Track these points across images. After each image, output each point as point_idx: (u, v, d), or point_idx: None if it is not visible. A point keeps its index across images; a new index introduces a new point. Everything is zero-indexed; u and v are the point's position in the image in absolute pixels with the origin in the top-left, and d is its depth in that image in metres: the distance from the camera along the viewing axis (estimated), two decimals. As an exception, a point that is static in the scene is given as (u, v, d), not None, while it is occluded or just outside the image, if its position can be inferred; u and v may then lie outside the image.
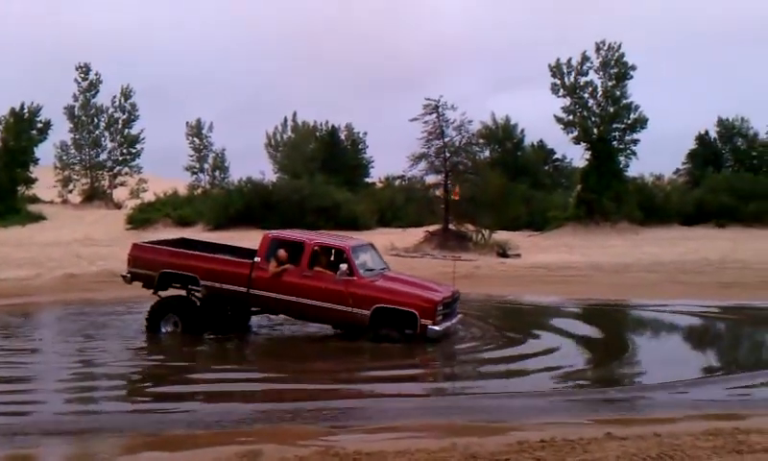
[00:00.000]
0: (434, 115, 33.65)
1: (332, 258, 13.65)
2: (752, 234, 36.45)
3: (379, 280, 13.46)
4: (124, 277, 14.37)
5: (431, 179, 34.92)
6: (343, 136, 62.15)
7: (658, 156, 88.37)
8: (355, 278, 13.01)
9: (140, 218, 45.02)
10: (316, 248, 13.55)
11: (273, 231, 14.53)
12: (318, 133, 63.29)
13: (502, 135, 61.10)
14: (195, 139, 62.75)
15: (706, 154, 56.89)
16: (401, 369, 11.49)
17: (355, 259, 13.28)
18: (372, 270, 13.72)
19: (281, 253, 13.34)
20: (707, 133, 58.35)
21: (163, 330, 13.64)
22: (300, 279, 13.13)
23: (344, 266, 12.96)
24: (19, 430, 7.71)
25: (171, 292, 14.19)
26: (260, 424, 7.96)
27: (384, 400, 9.50)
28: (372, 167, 62.90)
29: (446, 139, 33.80)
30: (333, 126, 61.83)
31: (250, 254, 14.21)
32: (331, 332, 13.75)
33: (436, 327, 12.63)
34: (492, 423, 8.03)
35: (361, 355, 12.45)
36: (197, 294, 13.95)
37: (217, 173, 62.91)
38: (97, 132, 59.35)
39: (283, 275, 13.19)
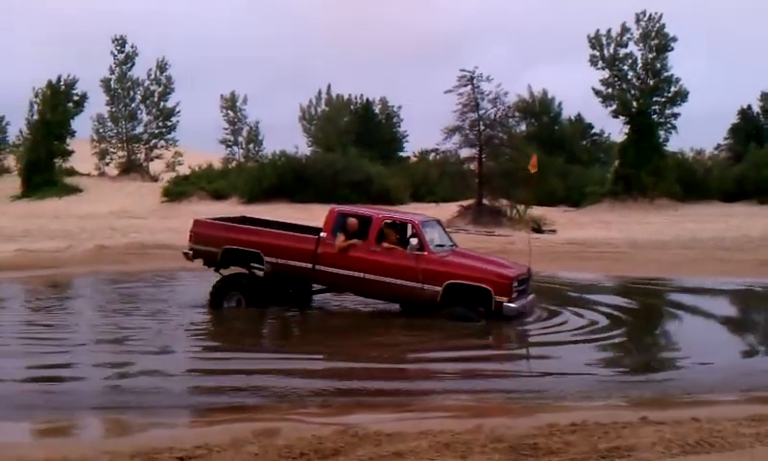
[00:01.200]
0: (469, 87, 33.29)
1: (400, 234, 13.21)
2: (796, 211, 35.52)
3: (450, 256, 13.02)
4: (186, 253, 14.04)
5: (465, 152, 34.54)
6: (377, 110, 61.92)
7: (699, 130, 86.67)
8: (426, 253, 12.51)
9: (175, 191, 45.26)
10: (384, 222, 13.14)
11: (339, 206, 14.18)
12: (352, 107, 63.12)
13: (539, 109, 60.38)
14: (229, 112, 62.83)
15: (748, 128, 55.57)
16: (446, 351, 11.00)
17: (425, 234, 12.83)
18: (441, 246, 13.26)
19: (352, 221, 12.96)
20: (749, 107, 57.05)
21: (225, 306, 13.38)
22: (367, 254, 12.68)
23: (414, 241, 12.49)
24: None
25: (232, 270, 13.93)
26: (286, 402, 7.76)
27: (415, 382, 9.24)
28: (407, 141, 62.76)
29: (481, 112, 33.42)
30: (368, 99, 61.72)
31: (313, 232, 13.79)
32: (394, 309, 13.31)
33: (512, 305, 12.07)
34: (522, 403, 7.77)
35: (413, 332, 11.94)
36: (258, 272, 13.65)
37: (251, 146, 63.03)
38: (133, 105, 59.55)
39: (350, 250, 12.76)
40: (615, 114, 43.68)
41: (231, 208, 39.09)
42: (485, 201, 32.89)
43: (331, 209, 13.52)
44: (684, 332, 12.58)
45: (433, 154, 40.91)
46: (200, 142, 64.94)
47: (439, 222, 14.48)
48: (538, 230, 29.17)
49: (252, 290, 13.47)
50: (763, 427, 6.21)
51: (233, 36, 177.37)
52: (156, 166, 61.04)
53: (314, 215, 34.48)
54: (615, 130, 50.00)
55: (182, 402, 7.91)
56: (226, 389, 8.22)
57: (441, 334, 11.64)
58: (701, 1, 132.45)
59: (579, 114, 63.58)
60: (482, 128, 33.30)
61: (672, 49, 43.24)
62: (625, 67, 43.39)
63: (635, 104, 43.12)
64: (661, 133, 43.94)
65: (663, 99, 43.61)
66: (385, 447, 5.80)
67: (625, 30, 43.30)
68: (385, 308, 13.38)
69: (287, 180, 40.96)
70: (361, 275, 12.68)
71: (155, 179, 57.88)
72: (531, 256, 13.27)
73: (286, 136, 77.83)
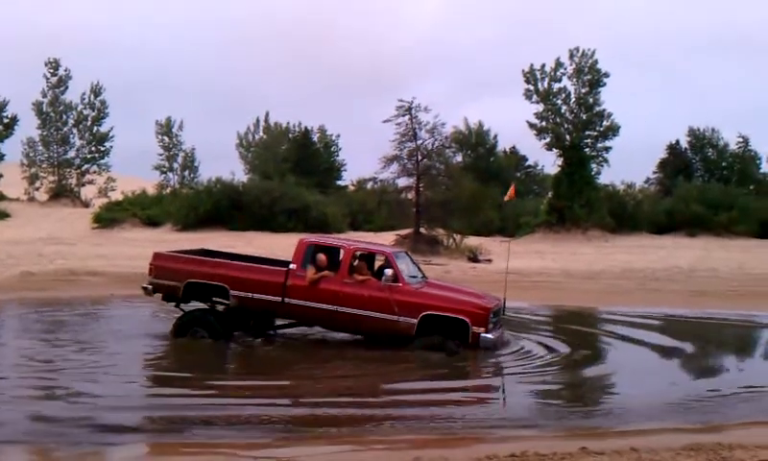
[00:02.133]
0: (407, 117, 33.34)
1: (371, 265, 12.96)
2: (722, 244, 36.53)
3: (425, 287, 12.80)
4: (145, 288, 13.39)
5: (403, 181, 34.57)
6: (315, 138, 61.74)
7: (629, 164, 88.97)
8: (401, 284, 12.28)
9: (107, 217, 44.12)
10: (356, 253, 12.88)
11: (308, 237, 13.81)
12: (290, 135, 62.87)
13: (475, 140, 61.13)
14: (165, 138, 61.81)
15: (677, 163, 57.32)
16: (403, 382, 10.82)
17: (398, 265, 12.57)
18: (414, 277, 13.02)
19: (321, 257, 12.61)
20: (677, 142, 58.89)
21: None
22: (340, 286, 12.36)
23: (389, 272, 12.21)
24: None
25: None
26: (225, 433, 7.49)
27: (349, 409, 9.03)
28: (345, 170, 62.69)
29: (419, 142, 33.49)
30: (306, 127, 61.46)
31: (280, 264, 13.39)
32: (357, 339, 12.98)
33: (489, 336, 11.94)
34: (459, 435, 7.65)
35: (373, 363, 11.72)
36: (220, 306, 13.15)
37: (186, 173, 62.06)
38: (65, 128, 58.13)
39: (322, 282, 12.44)
40: (549, 147, 44.49)
41: (165, 236, 38.34)
42: (422, 230, 32.93)
43: (301, 240, 13.14)
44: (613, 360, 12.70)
45: (371, 183, 40.92)
46: (134, 168, 63.80)
47: (407, 253, 14.29)
48: (474, 259, 29.33)
49: (216, 327, 12.86)
50: (700, 456, 6.21)
51: (170, 61, 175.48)
52: (87, 192, 59.52)
53: (251, 243, 34.23)
54: (549, 162, 50.99)
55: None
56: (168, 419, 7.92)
57: (403, 365, 11.47)
58: (632, 38, 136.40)
59: (514, 146, 64.76)
60: (420, 157, 33.41)
61: (604, 84, 44.31)
62: (559, 101, 44.25)
63: (568, 137, 43.96)
64: (594, 166, 44.90)
65: (596, 133, 44.60)
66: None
67: (559, 65, 44.22)
68: (348, 338, 13.10)
69: (223, 207, 40.31)
70: (333, 308, 12.34)
71: (86, 204, 56.42)
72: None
73: (223, 164, 77.22)
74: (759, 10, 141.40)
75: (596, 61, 44.01)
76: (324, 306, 12.39)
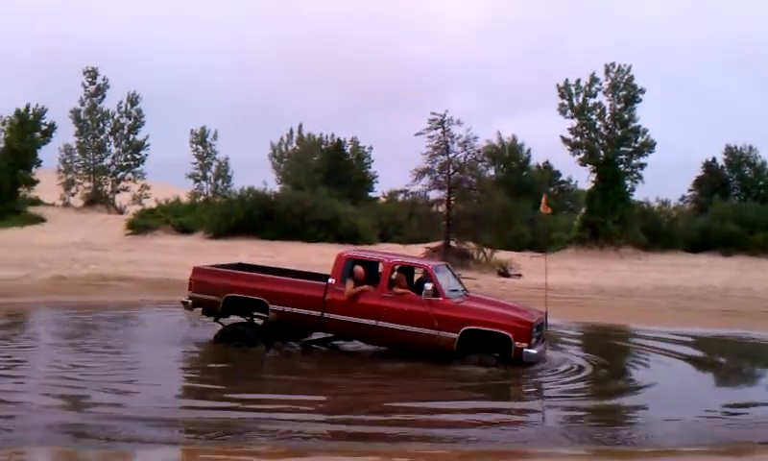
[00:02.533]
0: (439, 130, 33.36)
1: (410, 279, 12.88)
2: (757, 264, 35.90)
3: (465, 301, 12.68)
4: (185, 303, 13.53)
5: (434, 194, 34.53)
6: (348, 150, 61.95)
7: (664, 181, 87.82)
8: (441, 298, 12.15)
9: (140, 224, 44.59)
10: (395, 267, 12.82)
11: (347, 250, 13.78)
12: (323, 146, 63.16)
13: (508, 155, 60.90)
14: (199, 147, 62.31)
15: (713, 181, 56.56)
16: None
17: (438, 279, 12.45)
18: (455, 291, 12.88)
19: (359, 270, 12.57)
20: (714, 160, 58.13)
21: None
22: (379, 300, 12.30)
23: (429, 286, 12.11)
24: None
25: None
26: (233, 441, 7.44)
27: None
28: (377, 182, 62.79)
29: (451, 155, 33.44)
30: (339, 139, 61.74)
31: (318, 278, 13.47)
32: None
33: (532, 351, 11.77)
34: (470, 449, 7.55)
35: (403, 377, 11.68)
36: (259, 320, 13.21)
37: (220, 182, 62.42)
38: (102, 136, 58.99)
39: (361, 297, 12.40)
40: (583, 163, 44.08)
41: (197, 243, 38.67)
42: (452, 243, 32.83)
43: (339, 255, 13.08)
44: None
45: (402, 195, 40.92)
46: (168, 176, 64.27)
47: (448, 266, 14.15)
48: (504, 273, 29.16)
49: (256, 339, 12.98)
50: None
51: (206, 71, 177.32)
52: (122, 198, 60.25)
53: (282, 253, 34.39)
54: (583, 177, 50.54)
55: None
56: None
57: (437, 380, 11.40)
58: (669, 54, 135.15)
59: (547, 161, 64.38)
60: (451, 171, 33.36)
61: (640, 100, 43.87)
62: (593, 117, 43.88)
63: (602, 153, 43.57)
64: (628, 182, 44.36)
65: (630, 149, 44.13)
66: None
67: (594, 80, 43.87)
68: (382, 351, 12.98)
69: (255, 216, 40.55)
70: (373, 322, 12.27)
71: (120, 211, 57.12)
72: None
73: (256, 173, 77.64)
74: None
75: (632, 77, 43.64)
76: (364, 321, 12.32)
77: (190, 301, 13.37)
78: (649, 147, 43.99)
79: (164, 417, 8.48)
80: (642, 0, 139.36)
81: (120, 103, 58.67)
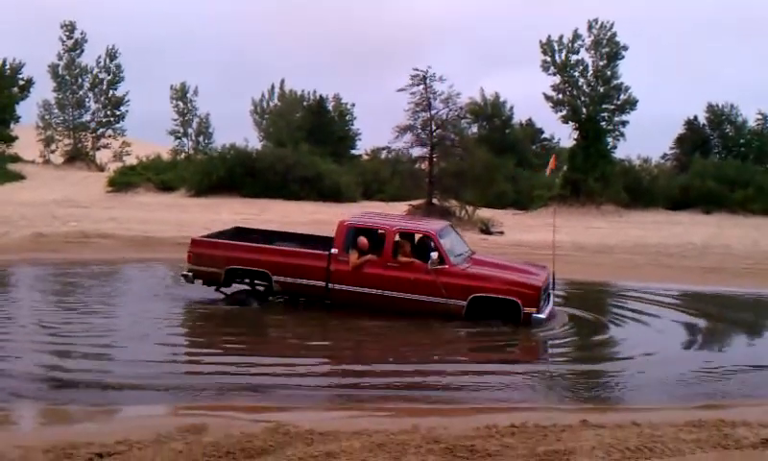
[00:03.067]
0: (421, 87, 33.07)
1: (416, 244, 12.73)
2: (736, 221, 36.20)
3: (472, 267, 12.52)
4: (185, 275, 13.31)
5: (416, 152, 34.40)
6: (330, 107, 61.49)
7: (646, 139, 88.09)
8: (447, 265, 12.05)
9: (121, 181, 44.29)
10: (398, 234, 12.67)
11: (348, 218, 13.37)
12: (305, 103, 62.66)
13: (491, 112, 60.69)
14: (179, 103, 61.65)
15: (694, 139, 56.73)
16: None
17: (443, 246, 12.35)
18: (460, 255, 12.75)
19: (362, 241, 12.38)
20: (695, 118, 58.23)
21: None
22: (384, 270, 12.17)
23: (434, 255, 11.98)
24: None
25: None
26: (218, 398, 7.47)
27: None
28: (359, 139, 62.43)
29: (433, 112, 33.26)
30: (321, 96, 61.16)
31: (317, 241, 13.42)
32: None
33: (540, 316, 11.79)
34: (461, 405, 7.60)
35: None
36: (260, 287, 13.12)
37: (201, 138, 61.95)
38: (81, 92, 58.31)
39: (365, 266, 12.25)
40: (565, 120, 44.00)
41: (179, 201, 38.47)
42: (435, 201, 32.81)
43: (341, 223, 12.85)
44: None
45: (384, 152, 40.75)
46: (148, 133, 63.69)
47: (452, 226, 13.98)
48: (486, 230, 29.20)
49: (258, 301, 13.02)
50: (703, 433, 6.14)
51: (186, 26, 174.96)
52: (102, 156, 59.75)
53: (264, 210, 34.26)
54: (565, 135, 50.56)
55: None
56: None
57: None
58: (651, 12, 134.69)
59: (530, 119, 64.33)
60: (434, 128, 33.21)
61: (623, 57, 43.72)
62: (576, 74, 43.73)
63: (584, 110, 43.50)
64: (610, 139, 44.40)
65: (612, 106, 44.08)
66: (317, 446, 5.59)
67: (577, 37, 43.62)
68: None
69: (236, 174, 40.32)
70: (378, 292, 12.19)
71: (101, 168, 56.67)
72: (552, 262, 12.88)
73: (237, 130, 77.05)
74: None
75: (615, 34, 43.41)
76: (370, 291, 12.22)
77: (190, 273, 13.17)
78: (631, 105, 43.97)
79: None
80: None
81: (99, 58, 57.99)
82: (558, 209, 39.57)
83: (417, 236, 12.98)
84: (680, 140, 58.09)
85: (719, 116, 58.02)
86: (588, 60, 43.71)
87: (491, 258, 14.04)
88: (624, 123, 44.37)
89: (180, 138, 61.52)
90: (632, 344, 11.34)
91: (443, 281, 11.92)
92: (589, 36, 43.59)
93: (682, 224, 34.10)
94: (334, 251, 12.43)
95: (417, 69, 33.20)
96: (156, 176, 45.00)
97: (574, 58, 43.65)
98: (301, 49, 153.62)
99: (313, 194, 38.95)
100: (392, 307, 12.29)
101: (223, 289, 13.29)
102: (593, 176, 40.49)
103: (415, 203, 33.63)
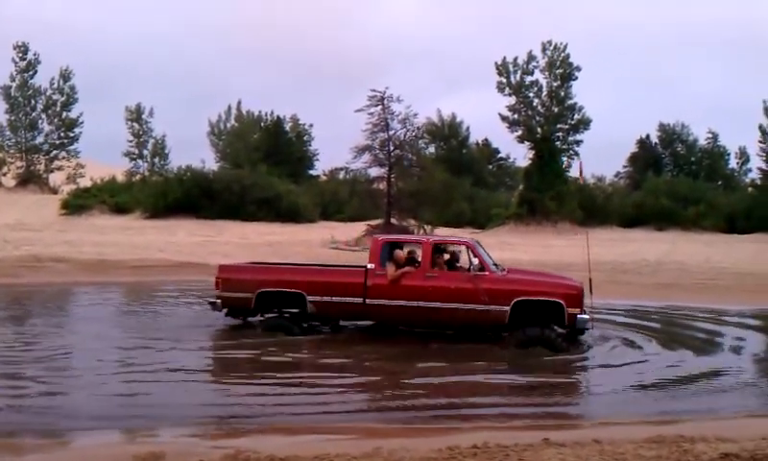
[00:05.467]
0: (379, 107, 33.30)
1: (449, 257, 12.64)
2: (689, 238, 36.91)
3: (510, 273, 12.46)
4: (213, 303, 12.74)
5: (375, 172, 34.57)
6: (288, 127, 61.45)
7: (600, 158, 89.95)
8: (487, 272, 11.92)
9: (75, 204, 43.79)
10: (435, 246, 12.49)
11: (382, 235, 13.43)
12: (262, 123, 62.55)
13: (448, 132, 61.30)
14: (135, 124, 61.08)
15: (647, 157, 57.95)
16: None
17: (481, 254, 12.26)
18: (496, 265, 12.64)
19: (399, 253, 12.31)
20: (648, 137, 59.53)
21: None
22: (424, 281, 11.97)
23: (475, 261, 11.96)
24: None
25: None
26: (177, 425, 7.35)
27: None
28: (317, 160, 62.59)
29: (391, 132, 33.48)
30: (278, 116, 61.15)
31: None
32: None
33: (585, 316, 11.59)
34: (423, 425, 7.60)
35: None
36: (288, 313, 12.55)
37: (156, 160, 61.36)
38: (34, 114, 57.46)
39: (404, 279, 12.04)
40: (521, 140, 44.64)
41: (134, 223, 38.03)
42: (393, 220, 32.93)
43: (375, 239, 12.79)
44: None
45: (343, 172, 40.89)
46: (103, 155, 63.02)
47: (479, 243, 14.01)
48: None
49: (293, 328, 12.31)
50: (663, 450, 6.21)
51: (142, 48, 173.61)
52: (56, 178, 58.86)
53: (221, 232, 34.05)
54: (521, 155, 51.16)
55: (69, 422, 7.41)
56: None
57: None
58: (604, 34, 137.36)
59: (486, 139, 65.09)
60: (391, 148, 33.40)
61: (576, 78, 44.57)
62: (531, 94, 44.42)
63: (539, 130, 44.15)
64: (564, 159, 45.15)
65: (567, 126, 44.84)
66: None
67: (531, 58, 44.37)
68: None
69: (193, 195, 40.07)
70: (419, 303, 11.94)
71: (54, 191, 55.84)
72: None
73: (194, 152, 76.63)
74: (731, 8, 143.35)
75: (568, 55, 44.28)
76: (409, 303, 12.01)
77: (219, 300, 12.65)
78: (585, 124, 44.75)
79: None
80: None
81: (52, 79, 57.25)
82: (515, 228, 40.08)
83: (446, 248, 12.95)
84: (633, 159, 59.29)
85: (671, 135, 59.35)
86: (543, 81, 44.50)
87: (524, 269, 14.11)
88: (578, 142, 45.15)
89: (135, 160, 60.97)
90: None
91: (485, 288, 11.82)
92: (544, 58, 44.38)
93: (636, 241, 34.66)
94: (370, 266, 12.30)
95: (374, 90, 33.49)
96: (111, 198, 44.54)
97: (529, 79, 44.41)
98: (259, 70, 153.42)
99: (271, 215, 38.85)
100: (431, 319, 12.15)
101: (250, 318, 12.82)
102: (549, 195, 41.08)
103: (373, 223, 33.73)
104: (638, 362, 11.09)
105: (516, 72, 44.28)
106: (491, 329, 11.97)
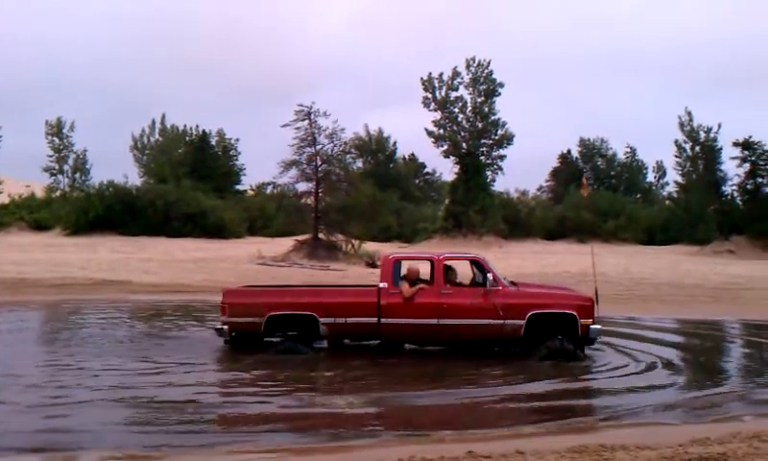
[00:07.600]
0: (306, 122, 33.26)
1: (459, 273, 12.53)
2: (610, 250, 37.89)
3: (522, 287, 12.48)
4: (219, 330, 12.22)
5: (302, 187, 34.47)
6: (213, 142, 60.75)
7: (523, 172, 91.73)
8: (500, 287, 11.90)
9: (-8, 221, 42.44)
10: (447, 263, 12.33)
11: (392, 253, 13.14)
12: (187, 138, 61.69)
13: (375, 147, 61.68)
14: (55, 139, 59.49)
15: (568, 172, 59.37)
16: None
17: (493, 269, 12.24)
18: (505, 279, 12.56)
19: (413, 269, 12.17)
20: (569, 151, 61.03)
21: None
22: (438, 298, 11.91)
23: (490, 276, 11.83)
24: None
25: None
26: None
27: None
28: (244, 175, 62.02)
29: (318, 147, 33.48)
30: (204, 131, 60.38)
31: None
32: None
33: (597, 326, 11.72)
34: (347, 441, 7.63)
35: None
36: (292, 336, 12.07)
37: (78, 175, 59.85)
38: (-52, 128, 55.49)
39: (418, 296, 11.90)
40: (446, 155, 45.31)
41: (54, 240, 37.04)
42: (321, 235, 32.90)
43: (385, 257, 12.60)
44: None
45: (270, 187, 40.68)
46: (22, 170, 61.16)
47: (484, 259, 13.99)
48: (372, 264, 29.48)
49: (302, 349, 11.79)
50: (584, 458, 6.39)
51: (62, 60, 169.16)
52: (-29, 195, 56.89)
53: (144, 248, 33.45)
54: (447, 169, 51.88)
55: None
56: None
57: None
58: (525, 51, 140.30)
59: (413, 153, 65.71)
60: (319, 163, 33.39)
61: (499, 94, 45.55)
62: (455, 110, 45.14)
63: (464, 145, 44.88)
64: (489, 173, 45.99)
65: (491, 141, 45.71)
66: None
67: (456, 74, 45.10)
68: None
69: (115, 211, 39.34)
70: (435, 320, 11.86)
71: (-31, 208, 53.93)
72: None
73: (116, 167, 75.07)
74: (650, 28, 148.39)
75: (492, 72, 45.20)
76: (425, 321, 11.94)
77: (225, 326, 12.13)
78: (508, 139, 45.71)
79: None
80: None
81: (-33, 93, 55.41)
82: (441, 241, 40.53)
83: (463, 263, 12.91)
84: (554, 173, 60.66)
85: (591, 150, 61.02)
86: (467, 97, 45.27)
87: (532, 282, 14.17)
88: (502, 157, 46.14)
89: (55, 175, 59.33)
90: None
91: (499, 303, 11.84)
92: (468, 74, 45.16)
93: (558, 253, 35.46)
94: (383, 285, 12.15)
95: (301, 105, 33.44)
96: (30, 215, 43.42)
97: (453, 94, 45.14)
98: (183, 84, 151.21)
99: (196, 231, 38.42)
100: (447, 336, 12.12)
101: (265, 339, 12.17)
102: (474, 208, 41.75)
103: (301, 238, 33.62)
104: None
105: (441, 88, 44.99)
106: (501, 344, 12.07)
